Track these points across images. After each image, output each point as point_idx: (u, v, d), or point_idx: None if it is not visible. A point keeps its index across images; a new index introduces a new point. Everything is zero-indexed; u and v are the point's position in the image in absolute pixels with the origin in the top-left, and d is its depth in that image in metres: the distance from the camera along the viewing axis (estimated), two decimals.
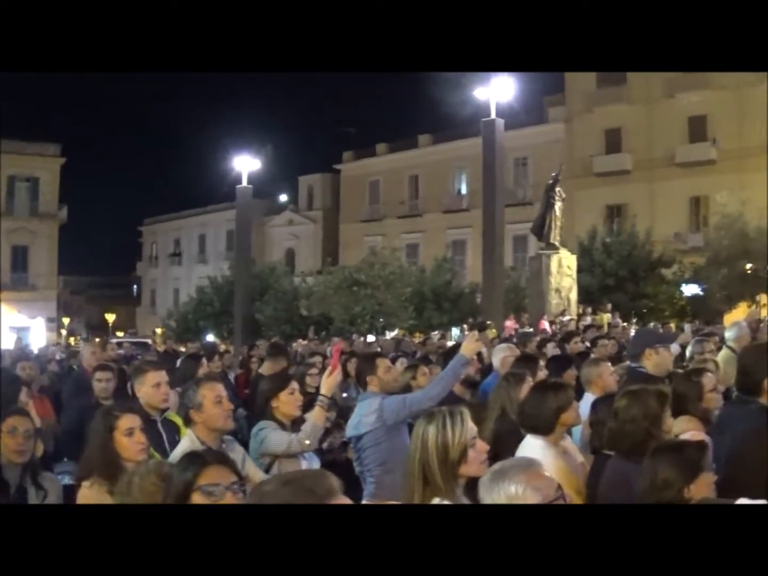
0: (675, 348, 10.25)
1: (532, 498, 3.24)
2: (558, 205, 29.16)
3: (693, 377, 6.45)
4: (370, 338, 27.21)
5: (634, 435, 5.13)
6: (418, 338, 24.63)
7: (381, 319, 40.73)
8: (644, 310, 38.79)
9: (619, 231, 45.48)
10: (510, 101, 29.25)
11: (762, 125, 48.88)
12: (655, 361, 7.83)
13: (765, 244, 35.53)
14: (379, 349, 16.68)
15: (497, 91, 28.15)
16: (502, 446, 5.83)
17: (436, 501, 4.10)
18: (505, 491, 3.27)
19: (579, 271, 30.39)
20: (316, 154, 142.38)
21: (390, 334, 29.87)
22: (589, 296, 32.95)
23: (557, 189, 29.43)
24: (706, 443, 4.58)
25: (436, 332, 25.87)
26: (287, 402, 6.83)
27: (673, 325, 25.08)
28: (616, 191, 55.21)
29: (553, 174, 30.48)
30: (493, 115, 28.09)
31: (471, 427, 4.30)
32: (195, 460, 3.90)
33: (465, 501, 4.19)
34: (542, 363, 9.13)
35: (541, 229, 29.52)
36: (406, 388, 8.35)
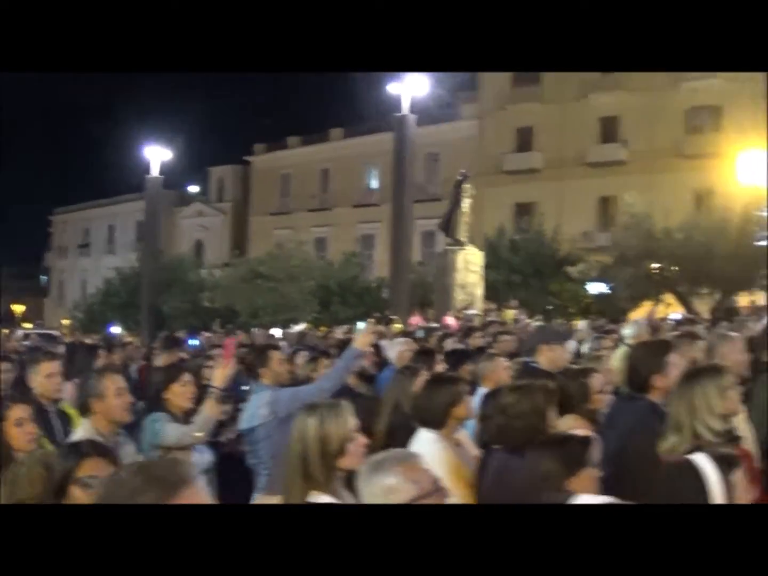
0: (571, 345, 10.41)
1: (408, 490, 3.25)
2: (466, 202, 29.22)
3: (580, 377, 6.46)
4: (277, 332, 27.09)
5: (522, 431, 5.15)
6: (322, 332, 24.60)
7: (284, 312, 40.67)
8: (550, 308, 39.13)
9: (527, 229, 45.82)
10: (423, 97, 29.41)
11: (671, 127, 49.88)
12: (549, 357, 7.94)
13: (670, 244, 36.15)
14: (284, 343, 16.61)
15: (410, 86, 28.30)
16: (396, 439, 5.86)
17: (314, 494, 4.12)
18: (381, 482, 3.29)
19: (485, 267, 30.50)
20: (227, 146, 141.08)
21: (297, 328, 29.75)
22: (494, 293, 33.11)
23: (465, 186, 29.50)
24: (590, 438, 4.61)
25: (344, 326, 25.78)
26: (180, 394, 6.82)
27: (577, 323, 25.37)
28: (526, 189, 55.65)
29: (462, 171, 30.57)
30: (405, 111, 28.21)
31: (351, 420, 4.33)
32: (74, 451, 3.90)
33: (344, 494, 4.22)
34: (441, 357, 9.22)
35: (448, 225, 29.55)
36: (308, 381, 8.37)
